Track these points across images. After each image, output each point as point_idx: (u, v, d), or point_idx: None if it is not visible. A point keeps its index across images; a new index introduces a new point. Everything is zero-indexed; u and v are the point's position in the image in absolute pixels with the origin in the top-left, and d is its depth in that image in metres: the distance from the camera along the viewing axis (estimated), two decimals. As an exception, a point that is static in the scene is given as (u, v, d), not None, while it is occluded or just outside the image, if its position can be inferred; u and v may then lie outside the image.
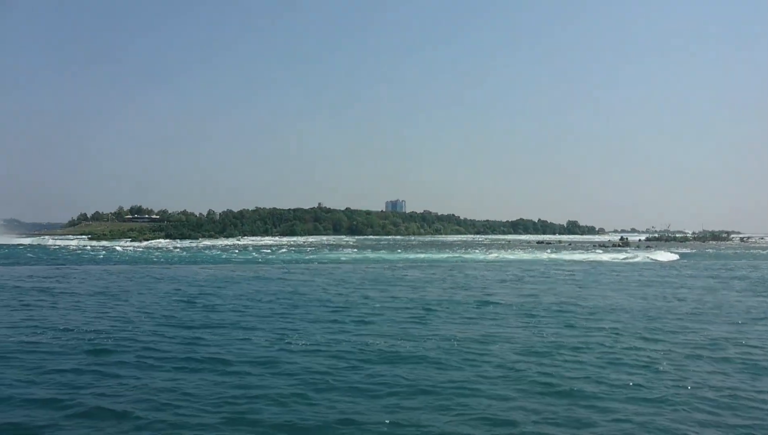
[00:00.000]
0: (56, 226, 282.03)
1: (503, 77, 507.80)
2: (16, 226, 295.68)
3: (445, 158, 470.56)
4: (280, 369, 15.50)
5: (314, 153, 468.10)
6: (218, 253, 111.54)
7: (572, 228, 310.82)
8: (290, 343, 18.63)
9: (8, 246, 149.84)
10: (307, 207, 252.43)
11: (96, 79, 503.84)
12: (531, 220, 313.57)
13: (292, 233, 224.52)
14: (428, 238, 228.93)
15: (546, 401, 13.08)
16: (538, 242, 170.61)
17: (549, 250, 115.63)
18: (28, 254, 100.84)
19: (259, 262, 75.65)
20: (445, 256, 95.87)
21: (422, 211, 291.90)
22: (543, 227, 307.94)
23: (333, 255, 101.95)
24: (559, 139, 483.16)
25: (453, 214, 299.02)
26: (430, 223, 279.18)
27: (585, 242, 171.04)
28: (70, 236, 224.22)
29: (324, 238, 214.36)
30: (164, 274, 49.40)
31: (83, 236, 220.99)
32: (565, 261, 79.99)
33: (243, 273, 51.52)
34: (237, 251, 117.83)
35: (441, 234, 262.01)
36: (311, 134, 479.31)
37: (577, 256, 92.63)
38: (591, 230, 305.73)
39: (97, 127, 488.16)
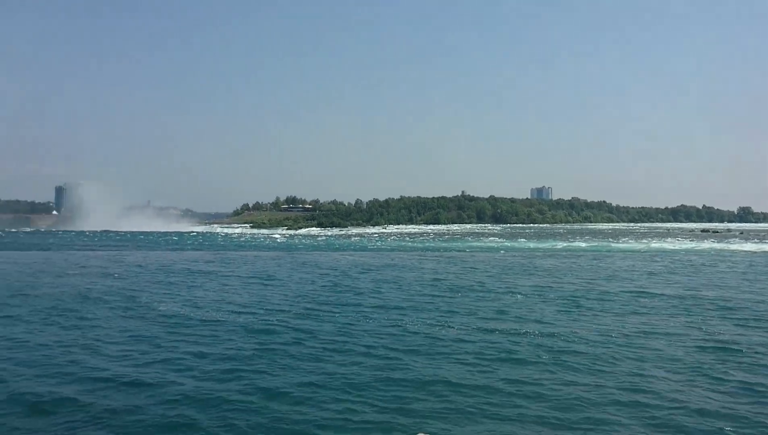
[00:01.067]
0: (223, 216, 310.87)
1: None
2: (191, 215, 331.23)
3: (594, 142, 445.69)
4: (450, 358, 15.15)
5: (457, 141, 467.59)
6: (365, 240, 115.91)
7: (744, 215, 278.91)
8: (443, 331, 18.71)
9: (183, 233, 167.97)
10: (450, 195, 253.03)
11: (273, 82, 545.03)
12: (694, 207, 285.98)
13: (436, 221, 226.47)
14: (576, 226, 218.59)
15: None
16: (703, 231, 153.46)
17: (713, 240, 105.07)
18: (199, 239, 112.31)
19: (404, 250, 77.55)
20: (594, 244, 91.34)
21: (570, 198, 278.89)
22: (708, 214, 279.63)
23: (476, 243, 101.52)
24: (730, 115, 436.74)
25: (604, 201, 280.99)
26: (578, 210, 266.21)
27: (760, 231, 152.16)
28: (235, 224, 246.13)
29: (467, 226, 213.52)
30: (316, 260, 52.56)
31: (246, 224, 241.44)
32: (732, 251, 72.40)
33: (387, 260, 53.27)
34: (382, 239, 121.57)
35: (591, 222, 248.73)
36: (453, 122, 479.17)
37: (749, 246, 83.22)
38: (767, 218, 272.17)
39: (260, 126, 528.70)
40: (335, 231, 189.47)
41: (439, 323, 20.00)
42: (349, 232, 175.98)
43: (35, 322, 19.83)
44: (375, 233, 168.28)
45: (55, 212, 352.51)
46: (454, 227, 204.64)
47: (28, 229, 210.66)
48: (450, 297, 27.08)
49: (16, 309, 22.61)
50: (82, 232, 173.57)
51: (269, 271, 41.84)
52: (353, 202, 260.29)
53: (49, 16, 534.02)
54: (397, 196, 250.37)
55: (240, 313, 22.07)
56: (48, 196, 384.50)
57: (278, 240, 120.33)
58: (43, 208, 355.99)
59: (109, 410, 10.92)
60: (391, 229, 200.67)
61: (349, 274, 39.36)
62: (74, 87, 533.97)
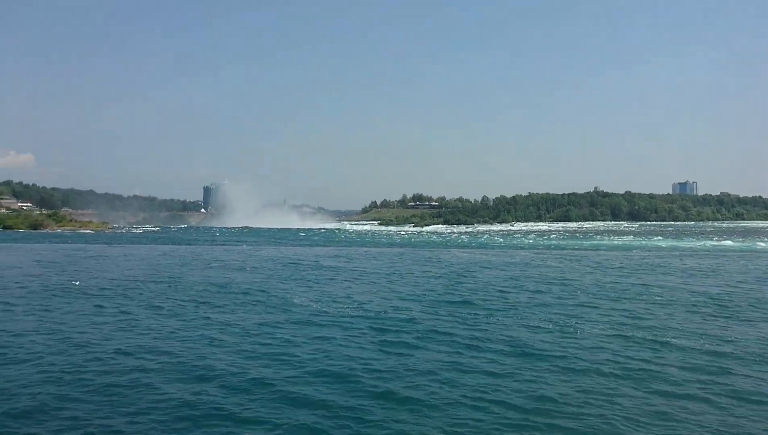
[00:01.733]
0: (352, 213, 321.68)
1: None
2: (323, 212, 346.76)
3: (746, 131, 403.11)
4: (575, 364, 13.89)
5: (589, 134, 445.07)
6: (491, 237, 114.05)
7: None
8: (573, 333, 17.45)
9: (315, 229, 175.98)
10: (582, 191, 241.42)
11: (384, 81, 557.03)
12: None
13: (567, 219, 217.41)
14: (726, 224, 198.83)
15: None
16: None
17: None
18: (329, 235, 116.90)
19: (530, 248, 75.27)
20: (746, 244, 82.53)
21: (718, 194, 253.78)
22: None
23: (609, 241, 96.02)
24: None
25: (759, 197, 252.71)
26: (728, 206, 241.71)
27: None
28: (363, 221, 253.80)
29: (601, 223, 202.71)
30: (441, 257, 52.51)
31: (374, 221, 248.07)
32: None
33: (511, 258, 51.93)
34: (509, 236, 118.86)
35: (743, 219, 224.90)
36: (583, 113, 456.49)
37: None
38: None
39: (387, 126, 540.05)
40: (461, 228, 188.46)
41: (567, 325, 18.79)
42: (476, 230, 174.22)
43: (180, 313, 21.53)
44: (502, 230, 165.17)
45: (203, 210, 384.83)
46: (586, 225, 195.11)
47: (181, 226, 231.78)
48: (574, 297, 25.68)
49: (164, 299, 24.74)
50: (226, 228, 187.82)
51: (394, 266, 42.39)
52: (479, 199, 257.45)
53: (199, 23, 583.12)
54: (524, 193, 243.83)
55: (368, 307, 22.40)
56: (197, 195, 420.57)
57: (404, 236, 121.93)
58: (193, 206, 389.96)
59: (263, 409, 11.13)
60: (519, 226, 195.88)
61: (472, 271, 38.78)
62: (219, 96, 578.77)
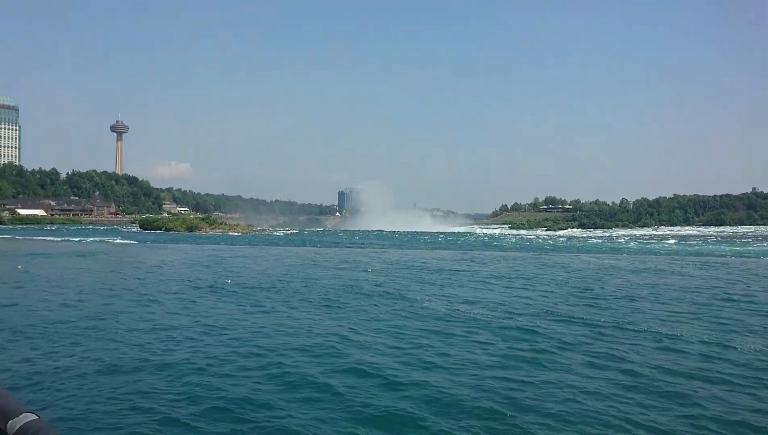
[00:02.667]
0: (482, 217, 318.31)
1: None
2: (453, 216, 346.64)
3: None
4: None
5: (745, 127, 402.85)
6: (630, 242, 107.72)
7: None
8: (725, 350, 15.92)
9: (444, 233, 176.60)
10: (737, 192, 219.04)
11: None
12: None
13: (719, 223, 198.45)
14: None
15: None
16: None
17: None
18: (459, 239, 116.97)
19: (677, 254, 70.21)
20: None
21: None
22: None
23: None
24: None
25: None
26: None
27: None
28: (494, 225, 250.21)
29: (762, 228, 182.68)
30: (574, 262, 50.93)
31: (504, 225, 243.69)
32: None
33: (642, 264, 49.00)
34: (652, 241, 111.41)
35: None
36: (739, 105, 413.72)
37: None
38: None
39: (516, 128, 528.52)
40: (598, 232, 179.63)
41: (716, 341, 17.32)
42: (614, 234, 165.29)
43: (312, 310, 23.25)
44: (644, 235, 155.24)
45: (338, 213, 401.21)
46: (743, 229, 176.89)
47: (318, 229, 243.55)
48: (720, 309, 23.96)
49: (303, 298, 26.73)
50: (359, 231, 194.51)
51: (524, 270, 41.93)
52: (618, 202, 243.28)
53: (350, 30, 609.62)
54: (669, 195, 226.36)
55: (497, 312, 22.64)
56: (333, 199, 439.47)
57: (536, 241, 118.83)
58: (329, 210, 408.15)
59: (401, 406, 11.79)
60: (664, 230, 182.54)
61: (602, 277, 37.35)
62: (354, 102, 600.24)
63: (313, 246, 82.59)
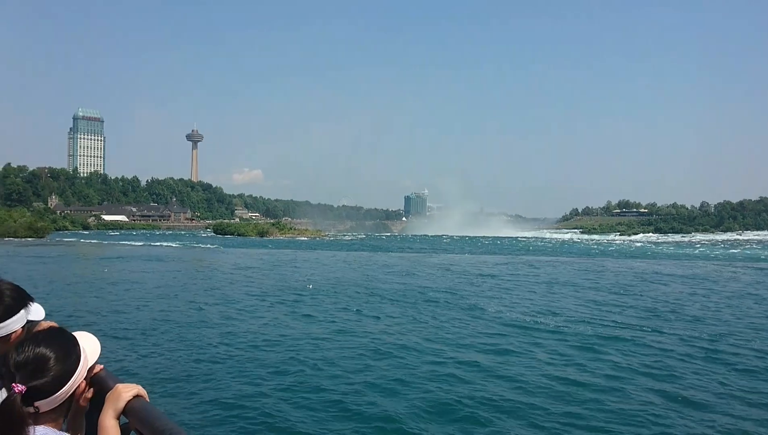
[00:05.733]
0: (552, 221, 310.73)
1: None
2: (521, 221, 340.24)
3: None
4: None
5: None
6: (710, 248, 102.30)
7: None
8: None
9: (510, 238, 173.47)
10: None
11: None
12: None
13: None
14: None
15: None
16: None
17: None
18: (526, 244, 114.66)
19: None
20: None
21: None
22: None
23: None
24: None
25: None
26: None
27: None
28: (564, 230, 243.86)
29: None
30: (645, 269, 48.90)
31: (575, 230, 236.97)
32: None
33: (737, 272, 46.32)
34: (738, 246, 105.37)
35: None
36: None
37: None
38: None
39: (589, 127, 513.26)
40: (676, 237, 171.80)
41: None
42: (693, 239, 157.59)
43: (387, 316, 23.38)
44: (727, 240, 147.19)
45: (404, 218, 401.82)
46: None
47: (384, 234, 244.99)
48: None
49: (375, 303, 26.95)
50: (425, 236, 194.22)
51: (594, 278, 40.63)
52: (697, 205, 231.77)
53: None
54: (755, 197, 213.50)
55: (565, 319, 22.13)
56: (399, 204, 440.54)
57: (607, 246, 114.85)
58: (395, 215, 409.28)
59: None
60: (749, 235, 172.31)
61: (680, 286, 35.65)
62: (420, 110, 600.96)
63: (381, 251, 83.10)
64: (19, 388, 1.91)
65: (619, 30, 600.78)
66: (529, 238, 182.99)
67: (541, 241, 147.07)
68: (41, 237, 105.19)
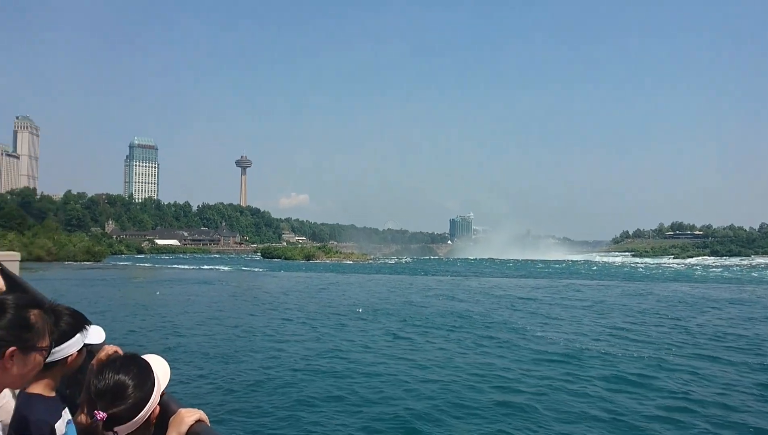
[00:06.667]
0: (602, 244, 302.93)
1: None
2: (569, 244, 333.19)
3: None
4: None
5: None
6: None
7: None
8: None
9: (558, 261, 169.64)
10: None
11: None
12: None
13: None
14: None
15: None
16: None
17: None
18: (575, 268, 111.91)
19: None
20: None
21: None
22: None
23: None
24: None
25: None
26: None
27: None
28: (614, 253, 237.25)
29: None
30: (703, 295, 46.99)
31: (626, 253, 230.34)
32: None
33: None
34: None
35: None
36: None
37: None
38: None
39: (637, 148, 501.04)
40: (734, 260, 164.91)
41: None
42: (753, 262, 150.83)
43: (434, 339, 23.17)
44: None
45: (449, 242, 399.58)
46: None
47: (430, 257, 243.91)
48: None
49: (434, 328, 26.78)
50: (471, 259, 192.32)
51: (649, 304, 39.30)
52: (756, 227, 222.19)
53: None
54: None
55: (615, 349, 21.47)
56: (444, 227, 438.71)
57: (656, 269, 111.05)
58: (440, 239, 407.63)
59: None
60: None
61: (737, 311, 34.04)
62: (465, 133, 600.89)
63: (425, 274, 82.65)
64: (101, 415, 2.02)
65: (671, 51, 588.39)
66: (578, 261, 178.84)
67: (592, 265, 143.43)
68: (98, 261, 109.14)
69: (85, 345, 2.43)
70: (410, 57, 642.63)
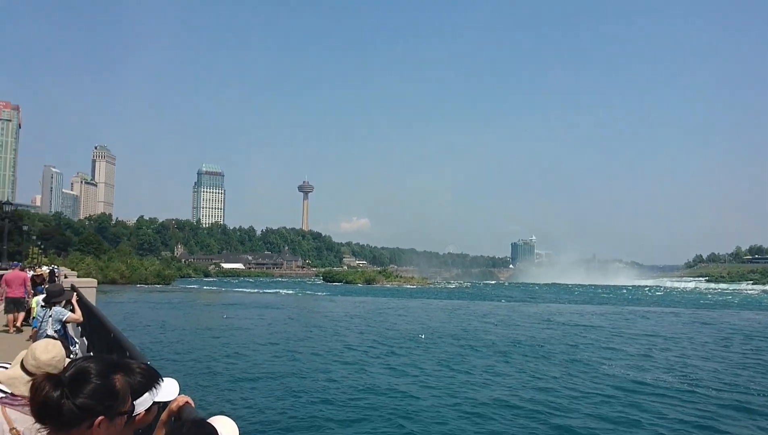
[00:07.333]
0: (673, 269, 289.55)
1: None
2: (638, 268, 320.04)
3: None
4: None
5: None
6: None
7: None
8: None
9: (625, 287, 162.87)
10: None
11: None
12: None
13: None
14: None
15: None
16: None
17: None
18: (638, 294, 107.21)
19: None
20: None
21: None
22: None
23: None
24: None
25: None
26: None
27: None
28: (687, 278, 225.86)
29: None
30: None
31: (700, 278, 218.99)
32: None
33: None
34: None
35: None
36: None
37: None
38: None
39: (713, 168, 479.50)
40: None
41: None
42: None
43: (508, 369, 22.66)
44: None
45: (511, 266, 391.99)
46: None
47: (491, 281, 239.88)
48: None
49: (510, 356, 26.27)
50: (535, 284, 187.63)
51: (727, 337, 37.16)
52: None
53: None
54: None
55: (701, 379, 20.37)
56: (506, 251, 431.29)
57: (732, 297, 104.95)
58: (502, 263, 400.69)
59: None
60: None
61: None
62: (528, 155, 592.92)
63: (490, 299, 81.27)
64: None
65: (733, 67, 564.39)
66: (649, 286, 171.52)
67: (657, 290, 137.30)
68: (168, 284, 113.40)
69: (156, 403, 2.27)
70: (469, 81, 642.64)
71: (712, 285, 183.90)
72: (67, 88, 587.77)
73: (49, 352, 3.11)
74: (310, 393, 16.80)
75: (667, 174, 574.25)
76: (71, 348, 7.70)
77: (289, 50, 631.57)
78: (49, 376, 1.80)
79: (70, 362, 1.93)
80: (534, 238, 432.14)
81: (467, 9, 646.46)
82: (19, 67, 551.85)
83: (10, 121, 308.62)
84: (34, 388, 1.77)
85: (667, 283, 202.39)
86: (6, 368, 2.99)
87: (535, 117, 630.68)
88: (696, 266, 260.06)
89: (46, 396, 1.72)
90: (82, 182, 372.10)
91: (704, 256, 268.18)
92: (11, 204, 49.03)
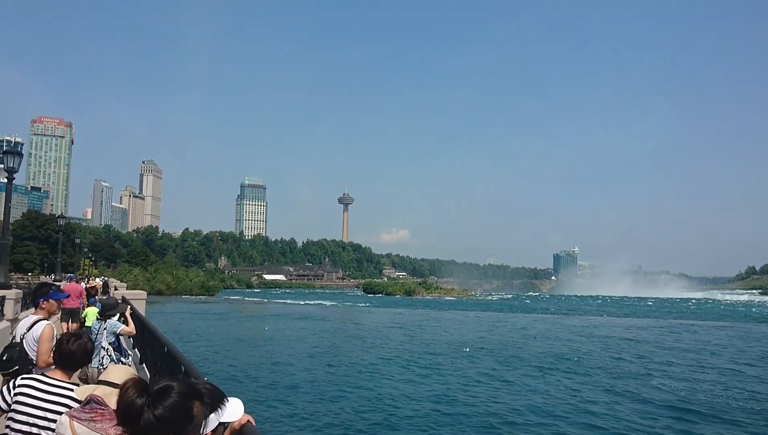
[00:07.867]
0: (724, 280, 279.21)
1: None
2: (686, 280, 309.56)
3: None
4: None
5: None
6: None
7: None
8: None
9: (671, 300, 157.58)
10: None
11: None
12: None
13: None
14: None
15: None
16: None
17: None
18: (684, 307, 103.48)
19: None
20: None
21: None
22: None
23: None
24: None
25: None
26: None
27: None
28: (740, 290, 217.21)
29: None
30: None
31: (754, 290, 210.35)
32: None
33: None
34: None
35: None
36: None
37: None
38: None
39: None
40: None
41: None
42: None
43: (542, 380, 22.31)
44: None
45: (553, 277, 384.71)
46: None
47: (532, 293, 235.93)
48: None
49: (560, 374, 25.89)
50: (578, 296, 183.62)
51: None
52: None
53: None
54: None
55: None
56: (547, 262, 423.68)
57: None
58: (543, 274, 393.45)
59: None
60: None
61: None
62: (564, 167, 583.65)
63: (532, 312, 79.96)
64: None
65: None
66: (698, 299, 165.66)
67: (705, 303, 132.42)
68: (212, 295, 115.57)
69: (221, 424, 2.39)
70: (498, 95, 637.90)
71: (767, 297, 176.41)
72: (116, 105, 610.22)
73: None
74: (356, 402, 16.96)
75: (716, 181, 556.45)
76: (123, 360, 7.95)
77: (329, 66, 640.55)
78: (138, 382, 1.92)
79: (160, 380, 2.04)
80: (577, 249, 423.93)
81: (508, 18, 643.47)
82: (71, 86, 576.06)
83: (63, 137, 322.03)
84: (123, 390, 1.90)
85: (718, 295, 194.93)
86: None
87: (576, 125, 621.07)
88: (749, 278, 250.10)
89: (132, 400, 1.84)
90: (130, 196, 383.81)
91: (757, 268, 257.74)
92: (65, 217, 50.92)
